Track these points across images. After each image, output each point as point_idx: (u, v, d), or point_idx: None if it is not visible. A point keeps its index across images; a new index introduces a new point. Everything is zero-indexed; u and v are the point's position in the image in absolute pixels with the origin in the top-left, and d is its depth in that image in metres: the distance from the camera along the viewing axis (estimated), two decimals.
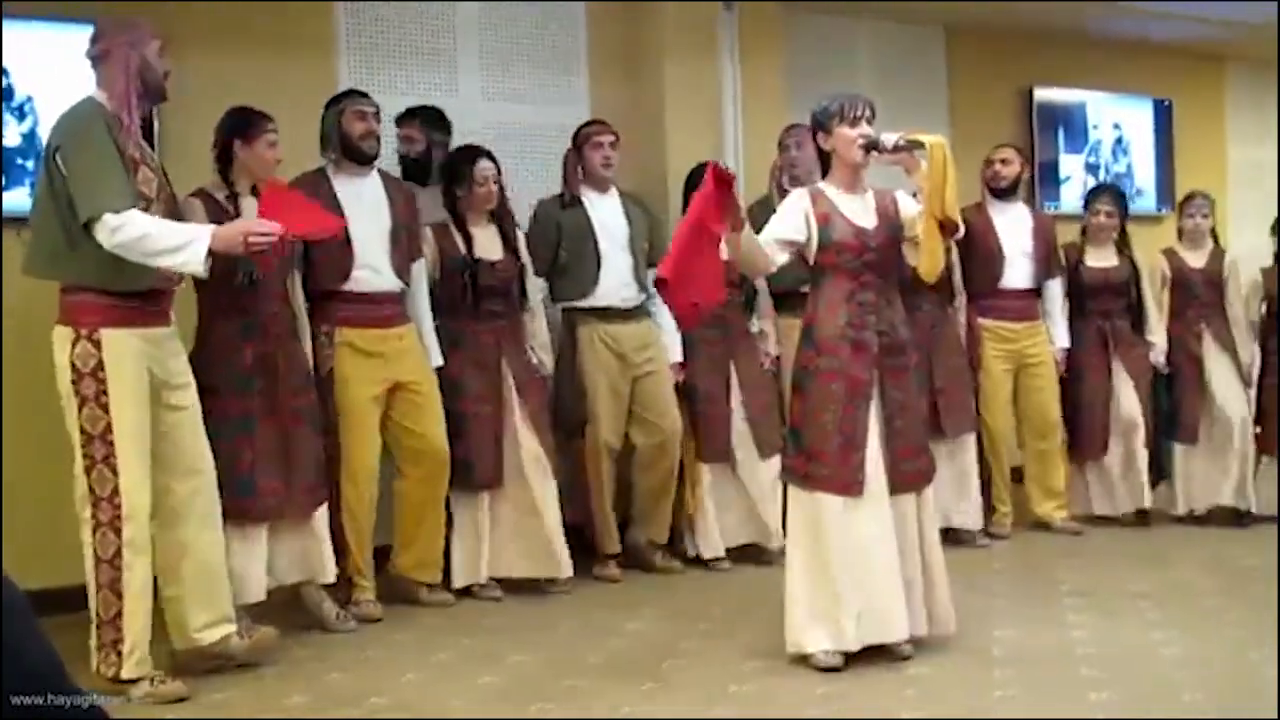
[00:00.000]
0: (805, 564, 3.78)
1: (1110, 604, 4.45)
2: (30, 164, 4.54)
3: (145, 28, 3.66)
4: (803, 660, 3.76)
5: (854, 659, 3.73)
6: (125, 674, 3.54)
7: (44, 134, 4.48)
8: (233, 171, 4.18)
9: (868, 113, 3.82)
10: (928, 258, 3.77)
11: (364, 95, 4.61)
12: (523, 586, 4.81)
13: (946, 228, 3.74)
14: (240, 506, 4.01)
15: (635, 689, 3.63)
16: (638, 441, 5.12)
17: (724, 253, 3.78)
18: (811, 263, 3.88)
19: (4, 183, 4.50)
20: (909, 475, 3.85)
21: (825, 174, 3.96)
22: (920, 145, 3.68)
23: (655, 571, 5.15)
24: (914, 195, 3.95)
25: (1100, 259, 5.89)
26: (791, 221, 3.84)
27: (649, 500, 5.19)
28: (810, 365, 3.81)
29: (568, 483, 5.02)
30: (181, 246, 3.46)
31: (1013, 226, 5.75)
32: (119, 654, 3.54)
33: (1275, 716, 3.20)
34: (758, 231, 3.84)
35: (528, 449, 4.75)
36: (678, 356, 5.20)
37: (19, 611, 2.16)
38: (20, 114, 4.59)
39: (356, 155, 4.53)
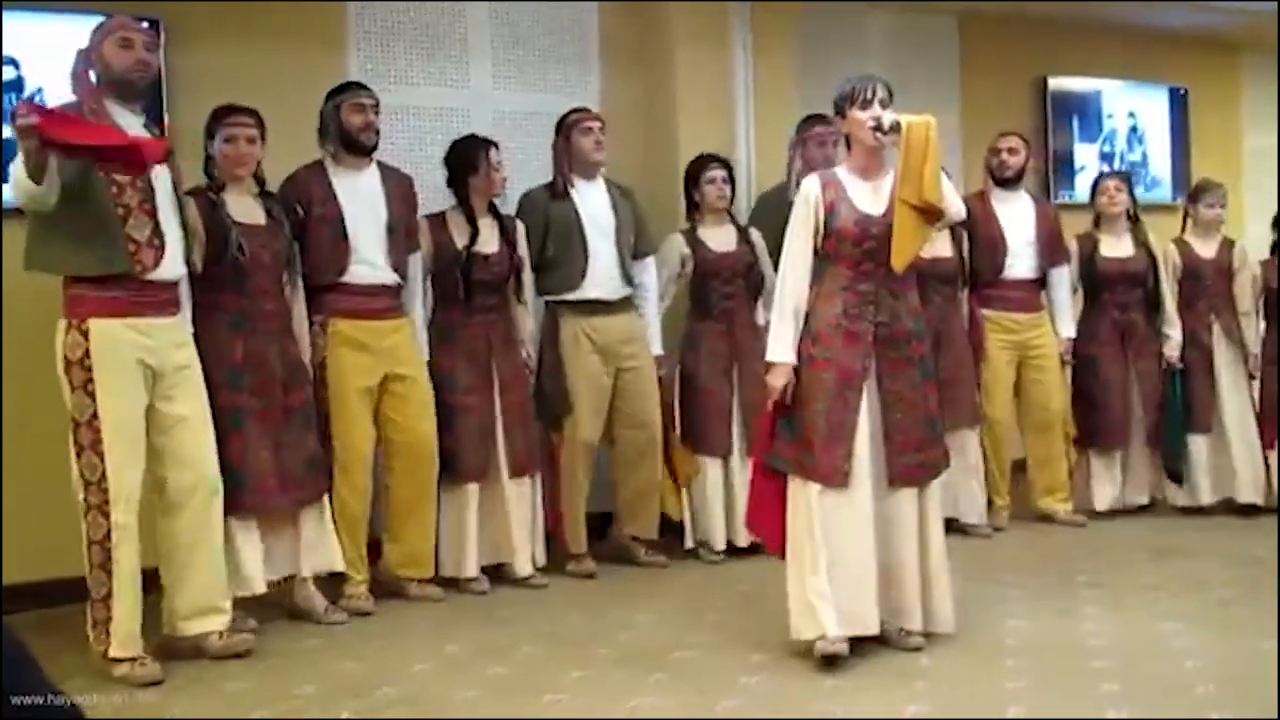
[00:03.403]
0: (798, 552, 3.76)
1: (1122, 596, 4.43)
2: None
3: (108, 23, 3.78)
4: (810, 649, 3.74)
5: (865, 651, 3.72)
6: (113, 653, 3.65)
7: None
8: (213, 166, 4.24)
9: (882, 94, 3.76)
10: (896, 244, 3.68)
11: (363, 87, 4.61)
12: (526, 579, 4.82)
13: (929, 214, 3.67)
14: (233, 500, 4.02)
15: (645, 680, 3.63)
16: (620, 438, 5.07)
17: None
18: (818, 249, 3.82)
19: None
20: (909, 469, 3.80)
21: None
22: (897, 128, 3.62)
23: (640, 566, 5.09)
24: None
25: (1116, 249, 5.80)
26: (810, 222, 3.79)
27: (636, 498, 5.13)
28: (805, 353, 3.78)
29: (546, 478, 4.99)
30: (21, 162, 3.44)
31: (1016, 216, 5.67)
32: (108, 632, 3.66)
33: None
34: (780, 229, 3.86)
35: (501, 447, 4.76)
36: (658, 349, 5.17)
37: None
38: None
39: (355, 147, 4.53)
